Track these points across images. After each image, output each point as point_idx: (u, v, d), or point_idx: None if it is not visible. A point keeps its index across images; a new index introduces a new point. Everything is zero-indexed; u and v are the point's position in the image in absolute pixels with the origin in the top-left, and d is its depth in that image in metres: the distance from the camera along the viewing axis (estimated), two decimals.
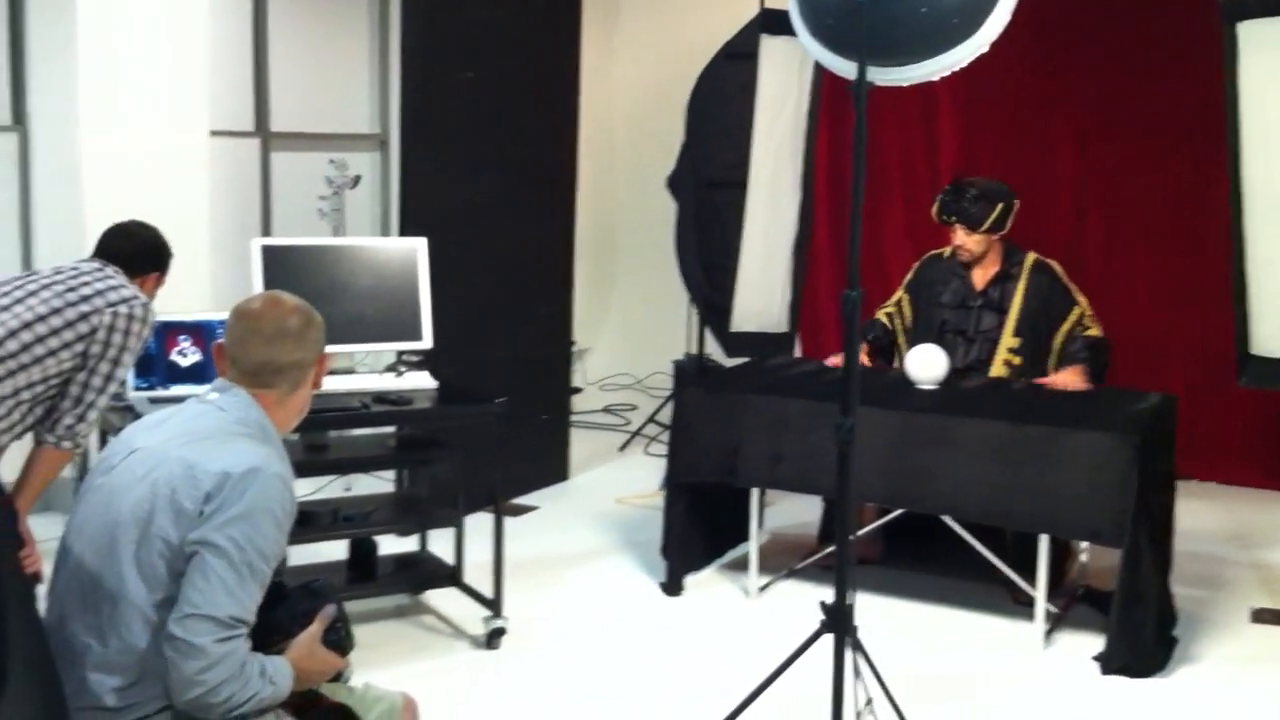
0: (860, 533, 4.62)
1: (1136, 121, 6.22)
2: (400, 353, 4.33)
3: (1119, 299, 6.35)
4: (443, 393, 4.18)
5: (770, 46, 5.79)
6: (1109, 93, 6.26)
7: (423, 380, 4.20)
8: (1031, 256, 4.82)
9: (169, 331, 3.96)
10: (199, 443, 2.27)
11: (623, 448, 6.65)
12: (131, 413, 3.72)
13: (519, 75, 5.65)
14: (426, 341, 4.27)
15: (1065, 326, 4.76)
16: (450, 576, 4.30)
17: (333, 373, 4.13)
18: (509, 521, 5.08)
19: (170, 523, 2.18)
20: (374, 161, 6.71)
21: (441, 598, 4.37)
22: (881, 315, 5.02)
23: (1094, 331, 4.72)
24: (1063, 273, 4.81)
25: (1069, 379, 4.57)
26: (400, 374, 4.22)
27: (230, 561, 2.15)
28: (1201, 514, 5.58)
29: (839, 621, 3.12)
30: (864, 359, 4.79)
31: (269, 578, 2.23)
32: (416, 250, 4.31)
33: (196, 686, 2.11)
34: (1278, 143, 4.73)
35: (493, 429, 4.07)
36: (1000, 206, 4.70)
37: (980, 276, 4.83)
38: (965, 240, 4.74)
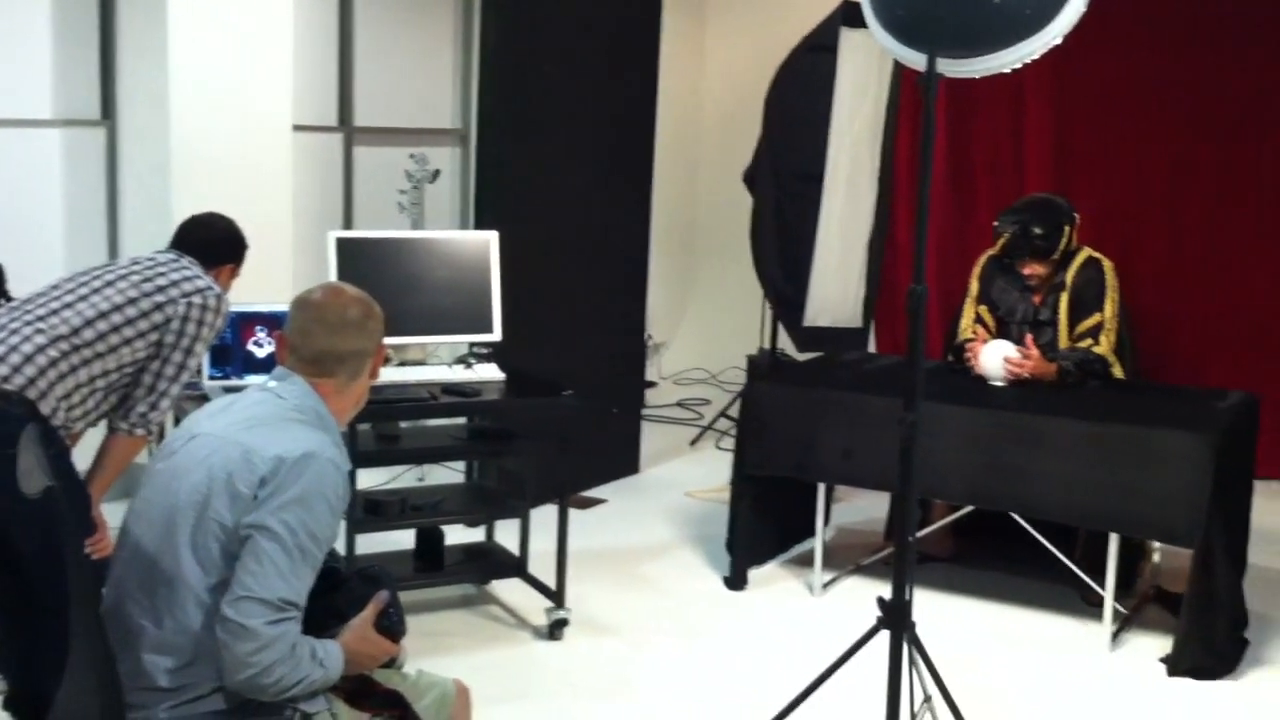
0: (926, 530, 4.60)
1: (1232, 111, 6.07)
2: (471, 344, 4.38)
3: (1213, 296, 6.22)
4: (511, 385, 4.22)
5: (850, 39, 5.76)
6: (1213, 82, 6.10)
7: (492, 372, 4.25)
8: (1084, 254, 4.69)
9: (246, 322, 4.05)
10: (256, 428, 2.32)
11: (694, 442, 6.67)
12: (206, 401, 3.79)
13: (598, 71, 5.67)
14: (496, 334, 4.32)
15: (1081, 328, 4.61)
16: (516, 567, 4.34)
17: (404, 364, 4.21)
18: (578, 514, 5.15)
19: (226, 506, 2.24)
20: (454, 156, 6.78)
21: (508, 589, 4.42)
22: (969, 335, 4.76)
23: (1101, 348, 4.55)
24: (1111, 273, 4.64)
25: (1042, 369, 4.47)
26: (470, 365, 4.27)
27: (283, 545, 2.20)
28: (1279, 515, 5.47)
29: (896, 617, 3.10)
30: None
31: (321, 562, 2.28)
32: (489, 243, 4.35)
33: (249, 668, 2.16)
34: None
35: (562, 421, 4.11)
36: (1066, 231, 4.61)
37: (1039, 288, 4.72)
38: (1036, 269, 4.65)
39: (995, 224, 4.71)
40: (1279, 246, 6.00)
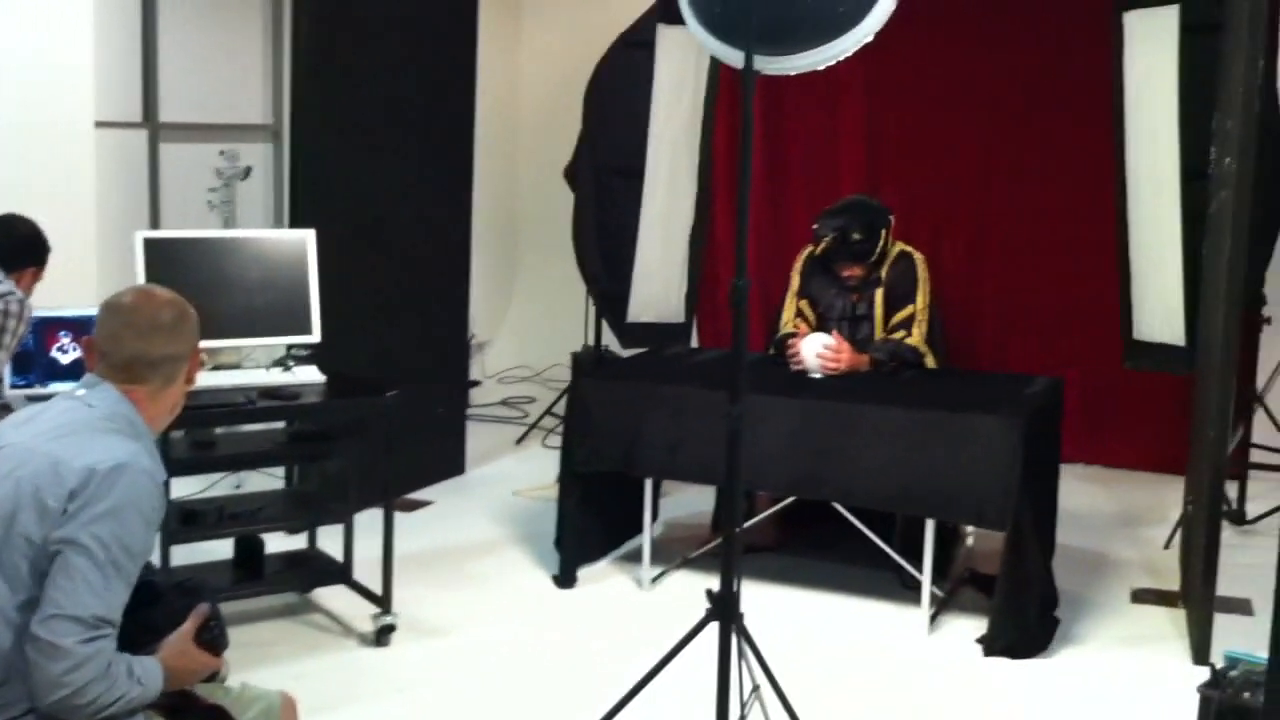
0: (751, 521, 4.67)
1: (1038, 109, 6.32)
2: (289, 347, 4.28)
3: (1016, 285, 6.48)
4: (332, 386, 4.13)
5: (668, 36, 5.81)
6: (1011, 80, 6.35)
7: (311, 374, 4.16)
8: (897, 249, 4.84)
9: (49, 327, 3.87)
10: (65, 438, 2.23)
11: (520, 440, 6.64)
12: (8, 411, 3.62)
13: (414, 65, 5.60)
14: (315, 335, 4.23)
15: (894, 319, 4.77)
16: (339, 573, 4.26)
17: (219, 368, 4.08)
18: (403, 517, 5.08)
19: (33, 521, 2.14)
20: (267, 153, 6.62)
21: (332, 596, 4.33)
22: (790, 329, 4.88)
23: (914, 338, 4.72)
24: (923, 266, 4.80)
25: (855, 361, 4.60)
26: (288, 368, 4.17)
27: (95, 560, 2.11)
28: (1087, 496, 5.72)
29: (725, 609, 3.14)
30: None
31: (136, 576, 2.19)
32: (305, 242, 4.26)
33: (61, 688, 2.07)
34: (1160, 132, 4.86)
35: (384, 423, 4.04)
36: (882, 234, 4.74)
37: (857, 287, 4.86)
38: (855, 271, 4.78)
39: (815, 227, 4.82)
40: (1077, 235, 6.26)
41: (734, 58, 3.13)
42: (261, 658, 3.78)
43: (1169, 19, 4.77)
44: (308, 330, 4.21)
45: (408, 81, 5.57)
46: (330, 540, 4.38)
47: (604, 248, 6.11)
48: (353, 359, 4.66)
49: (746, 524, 4.60)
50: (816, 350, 4.60)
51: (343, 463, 4.28)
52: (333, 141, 5.24)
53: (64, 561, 2.11)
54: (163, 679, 2.21)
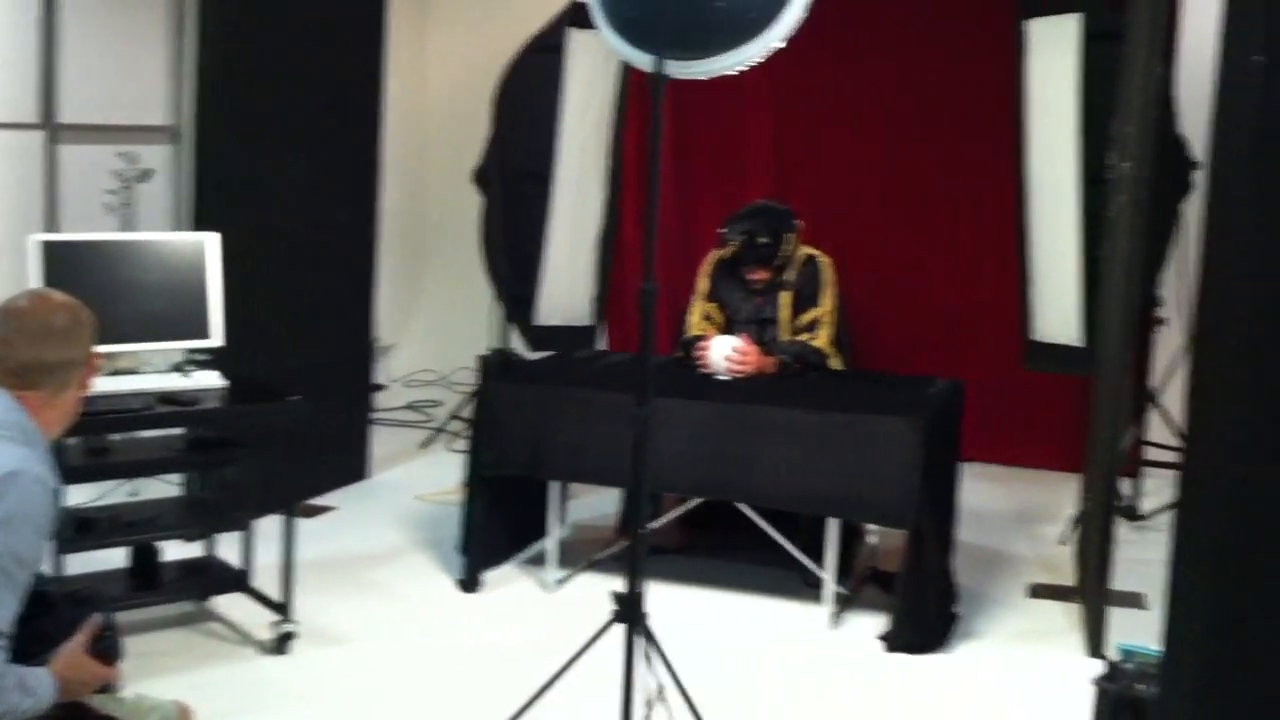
0: (657, 523, 4.69)
1: (941, 115, 6.43)
2: (189, 351, 4.21)
3: (919, 288, 6.59)
4: (233, 392, 4.08)
5: (578, 40, 5.80)
6: (914, 87, 6.45)
7: (212, 379, 4.10)
8: (803, 252, 4.90)
9: None
10: None
11: (425, 444, 6.60)
12: None
13: (321, 68, 5.53)
14: (216, 339, 4.17)
15: (800, 322, 4.81)
16: (237, 581, 4.19)
17: (116, 373, 4.01)
18: (305, 523, 5.02)
19: None
20: (168, 155, 6.50)
21: (231, 604, 4.26)
22: (697, 332, 4.90)
23: (820, 340, 4.77)
24: (829, 270, 4.86)
25: (761, 363, 4.64)
26: (187, 373, 4.10)
27: None
28: (986, 495, 5.82)
29: (629, 611, 3.15)
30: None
31: (26, 586, 2.15)
32: (205, 245, 4.20)
33: None
34: (1060, 138, 4.96)
35: (286, 428, 3.99)
36: (788, 238, 4.79)
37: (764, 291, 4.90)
38: (762, 275, 4.82)
39: (722, 232, 4.85)
40: (978, 239, 6.38)
41: (645, 62, 3.15)
42: (157, 668, 3.70)
43: (1070, 27, 4.87)
44: (208, 334, 4.15)
45: (313, 83, 5.51)
46: (230, 548, 4.32)
47: (512, 251, 6.10)
48: (255, 364, 4.59)
49: (652, 526, 4.63)
50: (725, 353, 4.63)
51: (243, 469, 4.22)
52: (236, 144, 5.17)
53: None
54: (55, 690, 2.18)
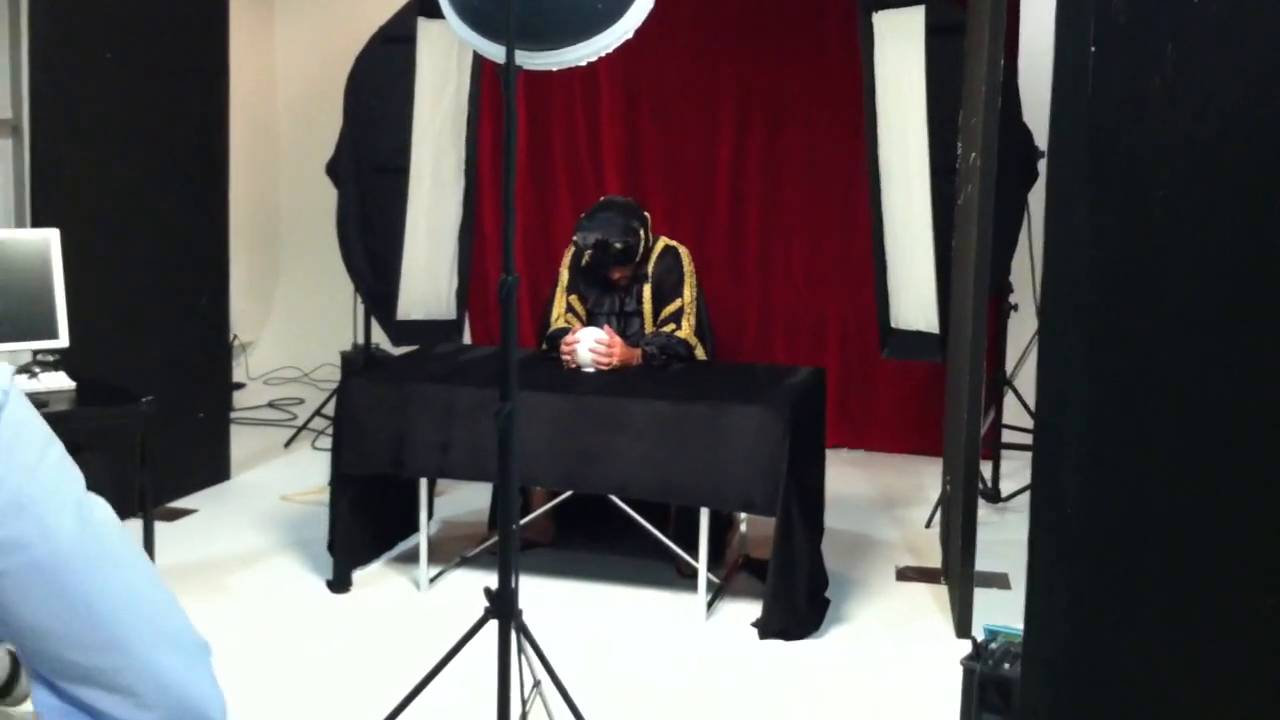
0: (528, 518, 4.66)
1: (792, 108, 6.52)
2: (35, 352, 4.06)
3: (776, 279, 6.67)
4: (82, 393, 3.94)
5: (428, 30, 5.72)
6: (766, 80, 6.52)
7: (60, 381, 3.95)
8: (661, 244, 4.91)
9: None
10: None
11: (288, 443, 6.46)
12: None
13: (162, 58, 5.37)
14: (63, 340, 4.02)
15: (664, 313, 4.83)
16: None
17: None
18: (165, 527, 4.87)
19: None
20: (5, 149, 6.25)
21: None
22: (561, 324, 4.89)
23: (683, 331, 4.79)
24: (688, 260, 4.87)
25: (626, 355, 4.66)
26: (34, 375, 3.95)
27: None
28: (852, 480, 5.91)
29: (503, 606, 3.12)
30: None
31: None
32: (49, 242, 4.05)
33: None
34: (909, 129, 5.05)
35: (140, 430, 3.87)
36: (641, 234, 4.78)
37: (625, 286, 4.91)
38: (623, 273, 4.82)
39: (575, 239, 4.80)
40: (834, 229, 6.48)
41: (495, 52, 3.11)
42: None
43: (915, 20, 4.95)
44: (54, 335, 4.01)
45: (155, 77, 5.34)
46: None
47: (370, 245, 6.00)
48: (105, 365, 4.44)
49: (523, 520, 4.60)
50: (589, 345, 4.61)
51: (95, 473, 4.06)
52: (76, 139, 4.99)
53: None
54: None
